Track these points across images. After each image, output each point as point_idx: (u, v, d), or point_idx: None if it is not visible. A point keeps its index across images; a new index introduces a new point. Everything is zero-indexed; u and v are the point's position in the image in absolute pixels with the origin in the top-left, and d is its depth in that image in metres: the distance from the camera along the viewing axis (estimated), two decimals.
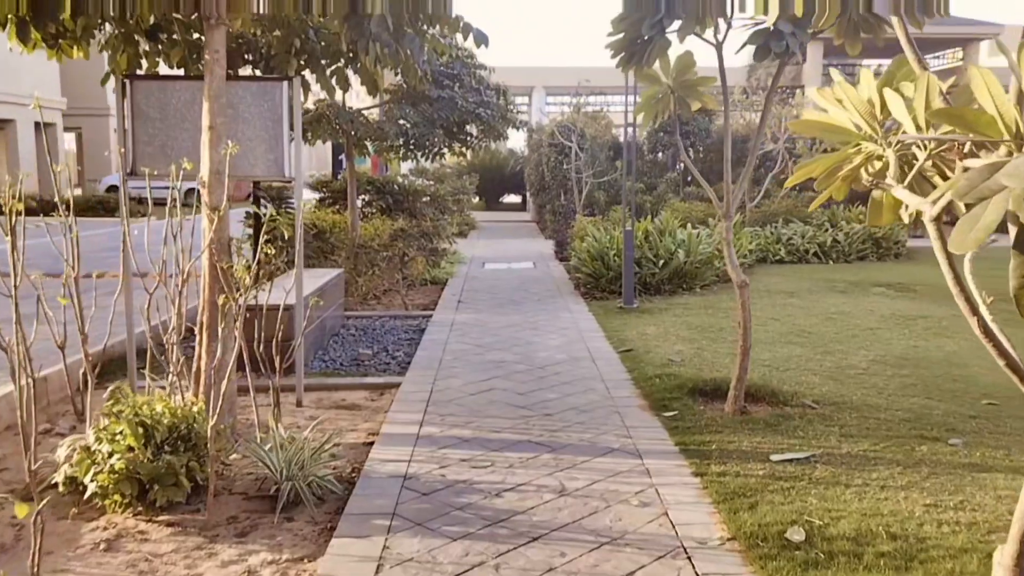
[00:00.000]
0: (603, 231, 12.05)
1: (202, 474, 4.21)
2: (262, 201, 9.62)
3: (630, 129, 10.89)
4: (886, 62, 30.78)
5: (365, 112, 11.09)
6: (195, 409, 4.49)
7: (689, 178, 20.80)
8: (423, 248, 10.06)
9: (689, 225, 12.76)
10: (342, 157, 13.76)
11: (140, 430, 4.11)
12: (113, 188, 30.53)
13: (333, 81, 6.95)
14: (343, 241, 10.75)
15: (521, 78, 25.19)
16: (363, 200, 13.91)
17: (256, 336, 5.26)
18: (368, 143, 11.45)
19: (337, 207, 13.05)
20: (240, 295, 4.92)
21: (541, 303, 10.12)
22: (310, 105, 10.89)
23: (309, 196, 13.76)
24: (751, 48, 5.25)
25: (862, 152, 3.35)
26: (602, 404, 5.77)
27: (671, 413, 5.49)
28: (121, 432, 4.08)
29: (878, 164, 3.30)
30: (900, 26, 2.80)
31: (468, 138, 11.58)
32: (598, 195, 18.27)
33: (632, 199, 9.64)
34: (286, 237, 9.51)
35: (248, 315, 5.21)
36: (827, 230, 14.91)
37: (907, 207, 3.26)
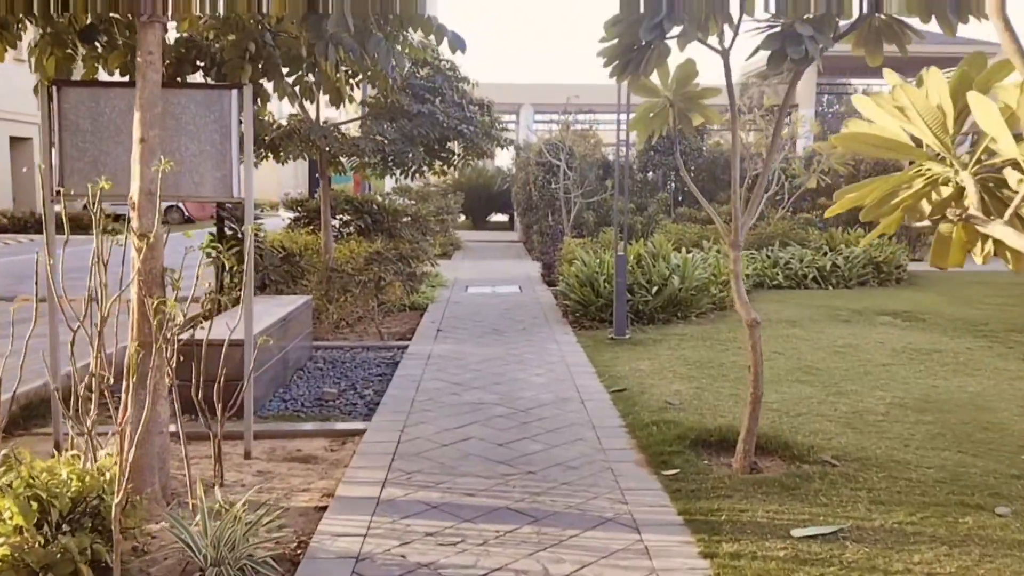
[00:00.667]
0: (592, 254, 11.38)
1: (112, 556, 3.48)
2: (226, 222, 8.94)
3: (622, 147, 10.24)
4: (877, 82, 30.38)
5: (343, 127, 10.42)
6: (109, 475, 3.77)
7: (681, 198, 20.21)
8: (400, 272, 9.37)
9: (684, 249, 12.11)
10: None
11: (33, 505, 3.38)
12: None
13: (297, 90, 6.28)
14: (315, 264, 10.05)
15: (508, 95, 24.62)
16: (340, 220, 13.23)
17: (201, 376, 4.55)
18: (344, 160, 10.78)
19: (312, 227, 12.35)
20: (173, 333, 4.23)
21: (526, 332, 9.42)
22: (283, 120, 10.22)
23: (283, 217, 13.07)
24: (745, 63, 4.61)
25: (925, 175, 2.67)
26: (593, 458, 5.07)
27: (672, 471, 4.79)
28: (9, 510, 3.35)
29: (945, 190, 2.63)
30: (998, 13, 2.12)
31: (450, 156, 10.91)
32: (587, 215, 17.64)
33: (625, 221, 8.98)
34: (260, 258, 8.83)
35: (190, 352, 4.52)
36: (825, 254, 14.30)
37: (983, 247, 2.58)
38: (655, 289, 9.91)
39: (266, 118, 10.21)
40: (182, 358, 4.27)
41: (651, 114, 5.52)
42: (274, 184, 42.32)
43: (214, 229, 9.04)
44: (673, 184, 21.99)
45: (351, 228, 13.30)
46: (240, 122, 5.15)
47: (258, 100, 5.97)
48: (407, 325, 10.11)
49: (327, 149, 10.19)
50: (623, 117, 9.65)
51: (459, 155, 10.83)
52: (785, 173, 15.73)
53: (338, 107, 7.03)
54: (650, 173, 22.53)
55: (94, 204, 4.18)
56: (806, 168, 14.75)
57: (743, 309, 4.96)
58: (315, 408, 6.40)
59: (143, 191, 4.36)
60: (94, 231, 4.18)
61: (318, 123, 9.87)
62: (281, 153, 10.06)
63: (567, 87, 20.57)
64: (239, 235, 8.94)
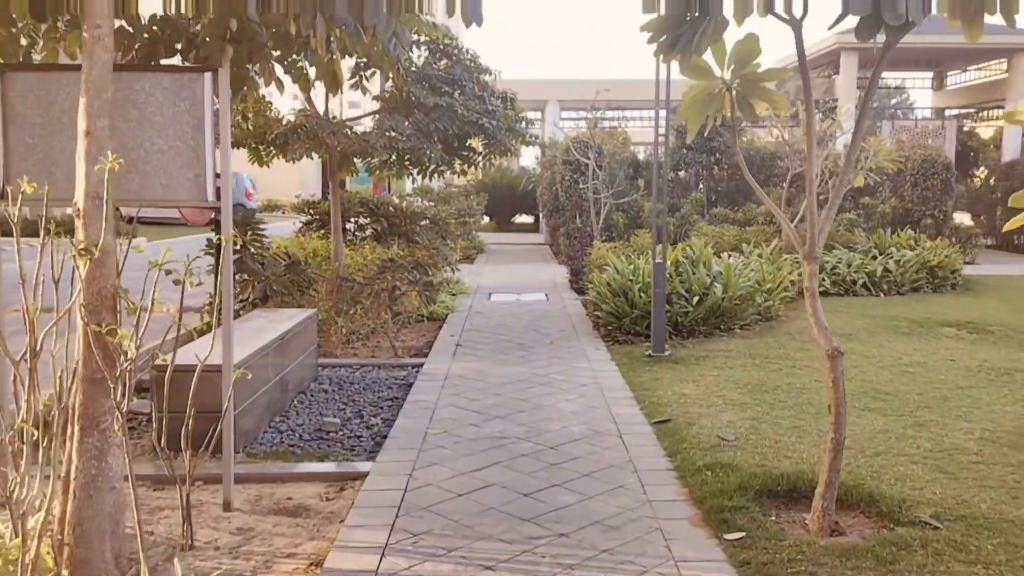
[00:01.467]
0: (625, 260, 10.50)
1: None
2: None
3: (660, 143, 9.36)
4: (915, 75, 29.17)
5: (355, 124, 9.63)
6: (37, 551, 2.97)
7: (714, 198, 19.23)
8: (416, 281, 8.56)
9: (723, 253, 11.20)
10: None
11: None
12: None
13: (289, 78, 5.47)
14: (324, 272, 9.26)
15: (533, 91, 23.72)
16: (355, 224, 12.45)
17: (188, 408, 3.78)
18: (357, 160, 9.99)
19: (324, 232, 11.59)
20: (124, 368, 3.45)
21: (554, 347, 8.57)
22: (290, 116, 9.45)
23: (293, 221, 12.31)
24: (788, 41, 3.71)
25: None
26: (637, 514, 4.20)
27: (736, 535, 3.91)
28: None
29: None
30: None
31: (471, 154, 10.07)
32: (617, 217, 16.72)
33: (663, 224, 8.10)
34: (261, 267, 8.07)
35: (171, 378, 3.75)
36: (874, 258, 13.30)
37: None
38: (695, 299, 9.00)
39: (272, 113, 9.46)
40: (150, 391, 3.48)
41: (704, 99, 4.64)
42: (295, 185, 41.79)
43: (213, 236, 8.29)
44: (703, 184, 21.05)
45: (367, 232, 12.54)
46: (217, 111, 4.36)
47: (244, 88, 5.16)
48: (424, 338, 9.30)
49: (337, 147, 9.41)
50: (661, 113, 8.78)
51: (481, 153, 9.99)
52: (830, 171, 14.78)
53: (335, 93, 6.22)
54: (681, 172, 21.59)
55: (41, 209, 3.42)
56: (856, 164, 13.73)
57: (822, 336, 4.07)
58: (314, 442, 5.59)
59: (89, 195, 3.56)
60: (40, 242, 3.41)
61: (327, 118, 9.08)
62: (286, 152, 9.29)
63: (595, 83, 19.69)
64: (244, 243, 8.18)
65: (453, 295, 12.13)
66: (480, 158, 9.95)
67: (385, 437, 5.56)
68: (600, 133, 15.90)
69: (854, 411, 6.05)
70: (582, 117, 23.03)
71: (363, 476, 4.81)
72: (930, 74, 27.38)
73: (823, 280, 12.39)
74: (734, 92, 4.59)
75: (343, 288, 8.74)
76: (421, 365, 7.77)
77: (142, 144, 4.25)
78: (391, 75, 7.52)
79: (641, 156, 21.00)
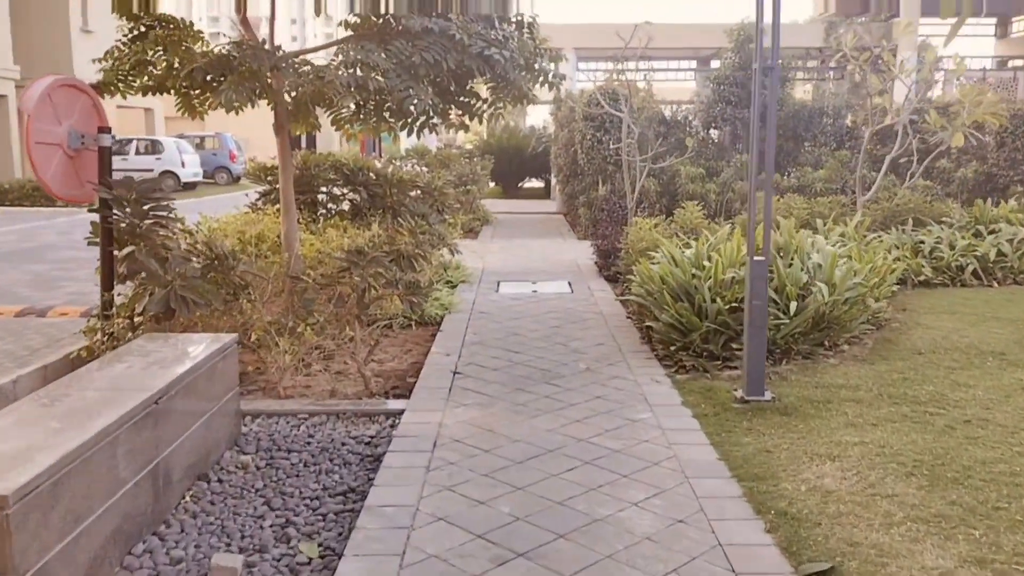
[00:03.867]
0: (678, 244, 7.86)
1: None
2: (115, 206, 5.61)
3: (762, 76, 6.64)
4: (976, 21, 26.15)
5: (310, 56, 6.94)
6: None
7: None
8: (394, 282, 5.96)
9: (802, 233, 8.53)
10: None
11: None
12: None
13: None
14: (269, 268, 6.63)
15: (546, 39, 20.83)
16: (327, 195, 9.80)
17: None
18: (319, 108, 7.32)
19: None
20: None
21: (593, 377, 5.97)
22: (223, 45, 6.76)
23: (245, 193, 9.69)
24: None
25: None
26: None
27: None
28: None
29: None
30: None
31: (474, 102, 7.37)
32: (648, 184, 13.97)
33: (769, 198, 5.33)
34: (163, 267, 5.46)
35: None
36: (977, 235, 10.63)
37: None
38: (792, 305, 6.37)
39: (200, 47, 6.79)
40: None
41: None
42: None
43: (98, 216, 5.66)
44: (740, 144, 18.29)
45: (344, 205, 9.91)
46: None
47: None
48: (410, 356, 6.71)
49: (286, 90, 6.73)
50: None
51: (487, 100, 7.29)
52: (914, 127, 12.04)
53: (318, 13, 3.63)
54: (714, 131, 18.78)
55: None
56: (947, 120, 10.99)
57: None
58: None
59: None
60: None
61: (270, 49, 6.40)
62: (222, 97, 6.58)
63: (618, 27, 16.88)
64: (137, 226, 5.57)
65: (452, 286, 9.51)
66: (486, 106, 7.25)
67: None
68: (630, 85, 13.10)
69: None
70: (602, 69, 20.25)
71: None
72: (993, 20, 24.40)
73: (922, 267, 9.71)
74: None
75: (295, 292, 6.12)
76: (400, 414, 5.19)
77: None
78: None
79: (668, 113, 18.18)
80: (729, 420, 4.98)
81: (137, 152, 27.40)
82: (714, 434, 4.75)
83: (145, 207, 5.65)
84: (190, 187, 27.47)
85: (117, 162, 28.35)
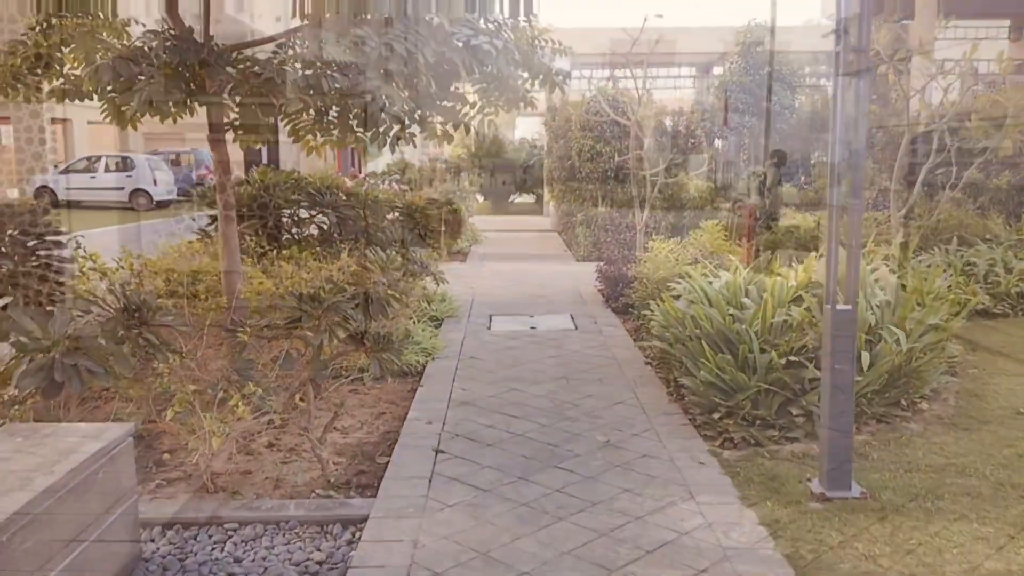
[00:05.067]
0: (709, 278, 6.56)
1: None
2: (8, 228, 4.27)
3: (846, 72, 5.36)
4: (987, 24, 25.07)
5: (255, 52, 5.61)
6: None
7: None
8: (359, 336, 4.62)
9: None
10: (262, 147, 8.39)
11: None
12: (43, 189, 25.14)
13: None
14: (204, 317, 5.28)
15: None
16: (290, 218, 8.46)
17: None
18: (272, 116, 5.99)
19: (243, 227, 7.59)
20: None
21: (616, 455, 4.64)
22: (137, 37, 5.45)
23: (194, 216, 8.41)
24: None
25: None
26: None
27: None
28: None
29: None
30: None
31: (460, 106, 6.04)
32: (654, 200, 12.66)
33: (857, 231, 4.02)
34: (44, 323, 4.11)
35: None
36: None
37: None
38: (862, 356, 5.05)
39: (113, 38, 5.49)
40: None
41: None
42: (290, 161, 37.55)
43: None
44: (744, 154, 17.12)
45: (312, 230, 8.58)
46: None
47: None
48: (382, 421, 5.37)
49: (225, 93, 5.40)
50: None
51: (474, 105, 5.98)
52: (953, 133, 10.79)
53: None
54: (717, 140, 17.53)
55: None
56: (995, 128, 9.76)
57: None
58: None
59: None
60: None
61: (202, 43, 5.07)
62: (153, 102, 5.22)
63: (614, 32, 15.62)
64: (17, 272, 4.22)
65: (437, 322, 8.17)
66: (473, 111, 5.93)
67: None
68: (637, 92, 11.82)
69: None
70: (599, 77, 19.07)
71: None
72: (1006, 23, 23.31)
73: (976, 294, 8.42)
74: None
75: (233, 349, 4.77)
76: (362, 522, 3.84)
77: None
78: None
79: (668, 123, 16.94)
80: (812, 530, 3.65)
81: (107, 169, 25.97)
82: (796, 557, 3.41)
83: (29, 244, 4.30)
84: (163, 205, 26.03)
85: (85, 181, 26.69)
